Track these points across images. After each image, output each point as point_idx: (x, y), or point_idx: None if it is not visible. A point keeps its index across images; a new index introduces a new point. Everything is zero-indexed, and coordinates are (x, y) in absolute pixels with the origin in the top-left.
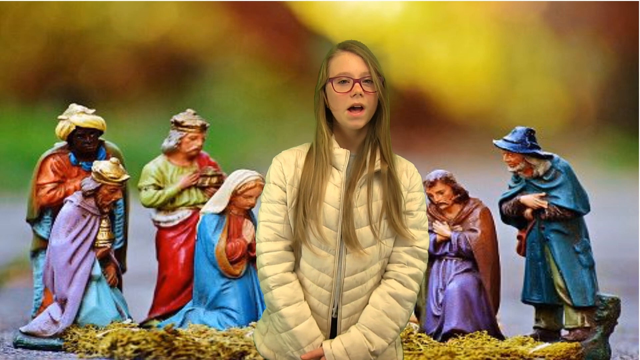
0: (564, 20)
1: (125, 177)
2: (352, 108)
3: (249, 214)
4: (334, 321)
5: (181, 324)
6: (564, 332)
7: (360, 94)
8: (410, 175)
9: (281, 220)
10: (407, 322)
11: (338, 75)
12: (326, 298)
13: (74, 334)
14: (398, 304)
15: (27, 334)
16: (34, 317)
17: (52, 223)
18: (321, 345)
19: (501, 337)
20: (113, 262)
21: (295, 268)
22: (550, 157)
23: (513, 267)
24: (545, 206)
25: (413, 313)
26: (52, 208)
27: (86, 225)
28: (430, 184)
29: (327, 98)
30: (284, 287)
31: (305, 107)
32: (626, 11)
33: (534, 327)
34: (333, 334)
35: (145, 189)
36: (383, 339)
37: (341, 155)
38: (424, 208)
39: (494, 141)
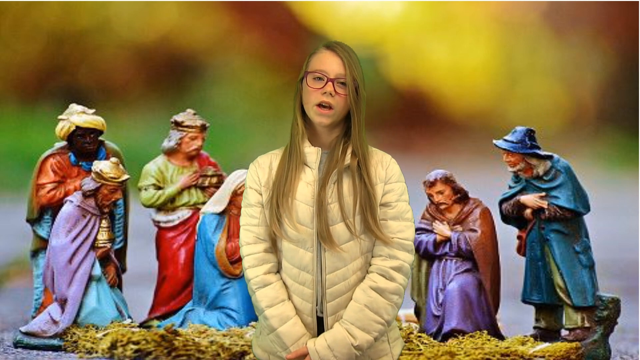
0: (564, 20)
1: (125, 177)
2: (320, 105)
3: None
4: (321, 320)
5: (181, 324)
6: (564, 332)
7: (331, 93)
8: (386, 166)
9: (258, 223)
10: (393, 315)
11: (314, 71)
12: (308, 296)
13: (74, 334)
14: (380, 297)
15: (27, 334)
16: (34, 317)
17: (52, 223)
18: (306, 344)
19: (501, 337)
20: (113, 262)
21: (279, 269)
22: (550, 157)
23: (513, 267)
24: (545, 206)
25: (413, 313)
26: (52, 208)
27: (86, 225)
28: (430, 184)
29: (302, 91)
30: (265, 289)
31: None
32: (626, 11)
33: (534, 327)
34: (320, 332)
35: (145, 189)
36: (367, 334)
37: (312, 154)
38: (406, 198)
39: (494, 141)
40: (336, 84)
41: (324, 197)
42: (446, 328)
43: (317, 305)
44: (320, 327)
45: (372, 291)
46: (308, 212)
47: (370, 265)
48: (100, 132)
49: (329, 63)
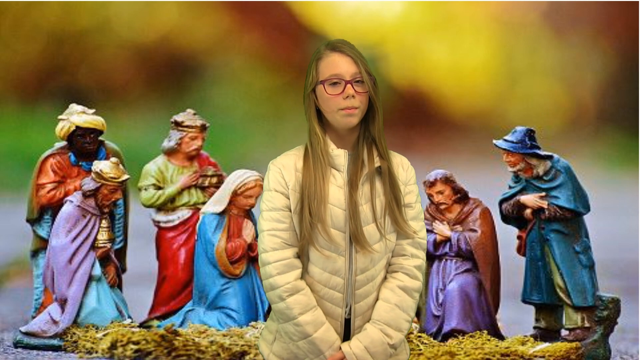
0: (564, 20)
1: (125, 177)
2: (346, 108)
3: (249, 214)
4: (346, 322)
5: (181, 324)
6: (564, 332)
7: (353, 96)
8: (405, 168)
9: (287, 228)
10: (415, 311)
11: (329, 77)
12: (339, 300)
13: (74, 334)
14: (407, 295)
15: (27, 334)
16: (34, 317)
17: (52, 223)
18: (340, 348)
19: (501, 337)
20: (113, 262)
21: (303, 275)
22: (550, 157)
23: (513, 267)
24: (545, 206)
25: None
26: (52, 208)
27: (86, 225)
28: (430, 184)
29: (318, 100)
30: (297, 296)
31: None
32: (626, 11)
33: (534, 327)
34: (345, 334)
35: (145, 189)
36: (399, 332)
37: (340, 156)
38: (420, 200)
39: (494, 141)
40: (354, 83)
41: (356, 199)
42: (446, 328)
43: (346, 307)
44: (346, 330)
45: (400, 290)
46: (341, 216)
47: (391, 264)
48: (100, 132)
49: (341, 65)
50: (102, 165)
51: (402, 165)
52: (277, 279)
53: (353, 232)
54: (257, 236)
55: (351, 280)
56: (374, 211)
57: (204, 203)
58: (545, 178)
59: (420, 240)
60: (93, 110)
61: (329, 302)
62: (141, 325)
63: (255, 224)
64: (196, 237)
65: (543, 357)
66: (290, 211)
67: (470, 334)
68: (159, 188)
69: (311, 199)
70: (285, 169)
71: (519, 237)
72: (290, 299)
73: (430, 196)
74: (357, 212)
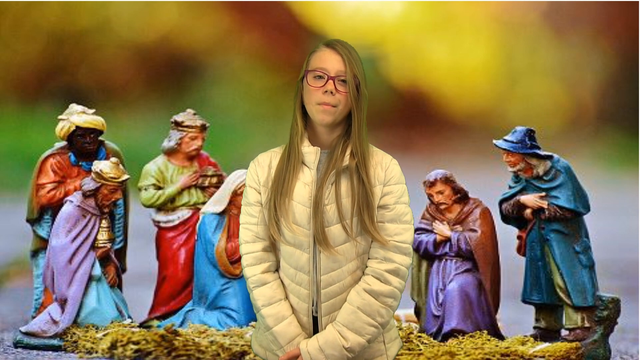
0: (564, 20)
1: (125, 177)
2: (322, 103)
3: None
4: (316, 320)
5: (181, 324)
6: (564, 332)
7: (332, 92)
8: (385, 168)
9: (257, 222)
10: (388, 318)
11: (314, 69)
12: (305, 296)
13: (74, 334)
14: (374, 299)
15: (27, 334)
16: (34, 317)
17: (52, 223)
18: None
19: (501, 337)
20: (113, 262)
21: (278, 268)
22: (550, 157)
23: (513, 267)
24: (545, 206)
25: (413, 313)
26: (52, 208)
27: (86, 225)
28: (430, 184)
29: (303, 90)
30: (262, 288)
31: None
32: (626, 11)
33: (534, 327)
34: (316, 332)
35: (145, 189)
36: (359, 336)
37: (311, 154)
38: (405, 200)
39: (494, 141)
40: (337, 81)
41: (320, 198)
42: (446, 328)
43: (312, 305)
44: (315, 327)
45: (366, 294)
46: (305, 213)
47: (366, 267)
48: (100, 132)
49: (329, 61)
50: (102, 165)
51: (381, 165)
52: (246, 271)
53: (314, 231)
54: None
55: (316, 278)
56: (339, 212)
57: (204, 203)
58: (545, 178)
59: (398, 243)
60: (93, 110)
61: (296, 297)
62: (141, 325)
63: None
64: (196, 237)
65: (543, 357)
66: (262, 206)
67: (470, 334)
68: (159, 188)
69: (277, 192)
70: (259, 166)
71: (519, 237)
72: (256, 291)
73: (430, 196)
74: (320, 211)
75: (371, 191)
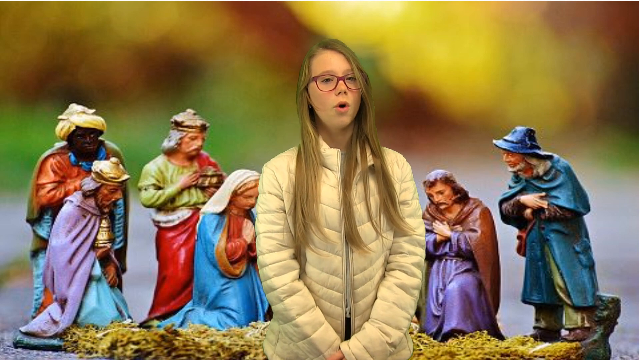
0: (564, 20)
1: (125, 177)
2: (339, 105)
3: (249, 214)
4: (347, 321)
5: (181, 324)
6: (564, 332)
7: (345, 92)
8: (401, 165)
9: (282, 230)
10: (415, 309)
11: (321, 74)
12: (338, 299)
13: (74, 334)
14: (405, 293)
15: (27, 334)
16: (34, 317)
17: (52, 223)
18: (339, 348)
19: (501, 337)
20: (113, 262)
21: (301, 275)
22: (550, 157)
23: (513, 267)
24: (545, 206)
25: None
26: (52, 208)
27: (86, 225)
28: (430, 184)
29: (311, 97)
30: (295, 297)
31: None
32: (626, 11)
33: (534, 327)
34: (347, 333)
35: (145, 189)
36: (398, 330)
37: (333, 156)
38: (417, 196)
39: (494, 141)
40: (346, 80)
41: (350, 199)
42: (446, 328)
43: (345, 307)
44: (346, 329)
45: (398, 288)
46: (336, 216)
47: (389, 262)
48: (100, 132)
49: (333, 62)
50: (102, 165)
51: (397, 163)
52: (274, 281)
53: (348, 232)
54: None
55: (349, 279)
56: (368, 210)
57: (204, 203)
58: (545, 178)
59: (418, 237)
60: (93, 110)
61: (328, 301)
62: (141, 325)
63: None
64: (196, 237)
65: (543, 357)
66: (285, 212)
67: (470, 334)
68: (159, 188)
69: (303, 199)
70: (278, 171)
71: (519, 237)
72: (288, 300)
73: (430, 196)
74: (352, 211)
75: (394, 187)
